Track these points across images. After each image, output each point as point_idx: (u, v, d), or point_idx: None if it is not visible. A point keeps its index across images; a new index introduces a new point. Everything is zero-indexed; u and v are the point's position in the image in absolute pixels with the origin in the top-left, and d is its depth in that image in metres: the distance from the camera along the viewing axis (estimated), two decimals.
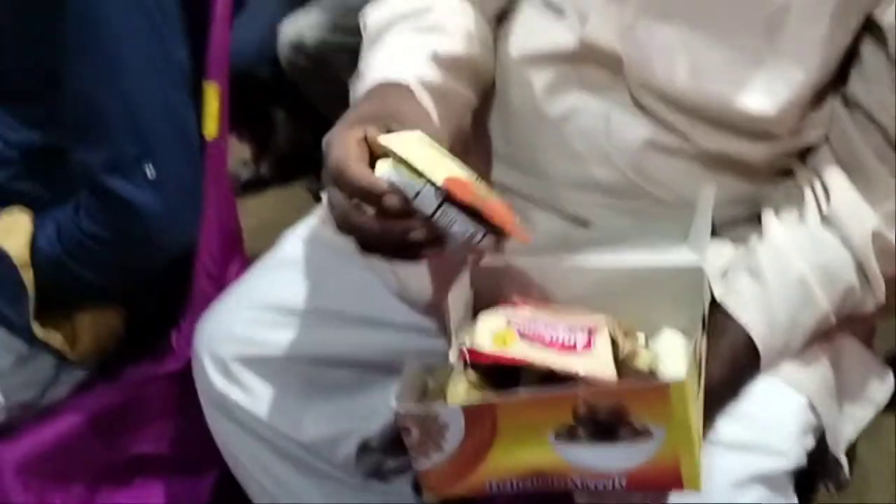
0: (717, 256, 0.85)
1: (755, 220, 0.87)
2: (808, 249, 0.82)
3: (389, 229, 0.69)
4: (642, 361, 0.72)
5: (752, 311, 0.81)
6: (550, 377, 0.69)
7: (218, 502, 1.15)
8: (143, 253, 1.01)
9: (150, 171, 0.97)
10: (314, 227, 0.99)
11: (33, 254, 1.00)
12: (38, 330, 1.03)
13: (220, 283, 1.09)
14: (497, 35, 0.93)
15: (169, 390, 1.11)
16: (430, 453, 0.69)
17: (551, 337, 0.71)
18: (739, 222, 0.89)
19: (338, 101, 0.85)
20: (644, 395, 0.66)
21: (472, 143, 0.92)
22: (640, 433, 0.67)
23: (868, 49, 0.81)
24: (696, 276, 0.76)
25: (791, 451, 0.79)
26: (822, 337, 0.84)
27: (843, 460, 0.86)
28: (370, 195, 0.69)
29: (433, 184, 0.68)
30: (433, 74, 0.83)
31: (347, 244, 0.94)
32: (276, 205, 2.10)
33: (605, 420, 0.67)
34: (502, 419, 0.68)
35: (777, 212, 0.85)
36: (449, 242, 0.70)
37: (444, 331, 0.80)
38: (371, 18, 0.90)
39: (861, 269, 0.82)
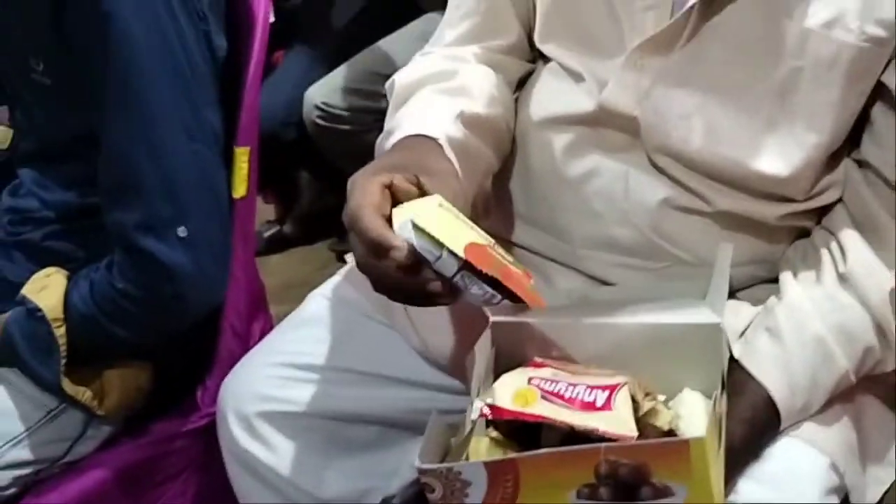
0: (735, 317, 0.85)
1: (773, 280, 0.87)
2: (826, 309, 0.82)
3: (408, 280, 0.70)
4: (662, 420, 0.72)
5: (771, 371, 0.81)
6: (571, 437, 0.69)
7: None
8: (175, 311, 1.02)
9: (182, 232, 0.98)
10: (337, 286, 1.00)
11: (66, 310, 1.01)
12: (67, 386, 1.03)
13: (244, 341, 1.11)
14: (518, 99, 0.95)
15: (194, 446, 1.11)
16: None
17: (572, 395, 0.71)
18: (757, 283, 0.89)
19: (361, 163, 0.87)
20: (664, 452, 0.66)
21: (493, 203, 0.94)
22: (661, 492, 0.66)
23: (878, 112, 0.82)
24: (714, 334, 0.76)
25: None
26: (843, 397, 0.84)
27: None
28: (379, 248, 0.70)
29: (453, 253, 0.70)
30: (459, 133, 0.85)
31: (370, 304, 0.97)
32: (300, 264, 2.13)
33: (626, 479, 0.66)
34: (524, 476, 0.68)
35: (794, 272, 0.85)
36: (465, 297, 0.72)
37: (467, 389, 0.80)
38: (400, 80, 0.92)
39: (879, 328, 0.82)
